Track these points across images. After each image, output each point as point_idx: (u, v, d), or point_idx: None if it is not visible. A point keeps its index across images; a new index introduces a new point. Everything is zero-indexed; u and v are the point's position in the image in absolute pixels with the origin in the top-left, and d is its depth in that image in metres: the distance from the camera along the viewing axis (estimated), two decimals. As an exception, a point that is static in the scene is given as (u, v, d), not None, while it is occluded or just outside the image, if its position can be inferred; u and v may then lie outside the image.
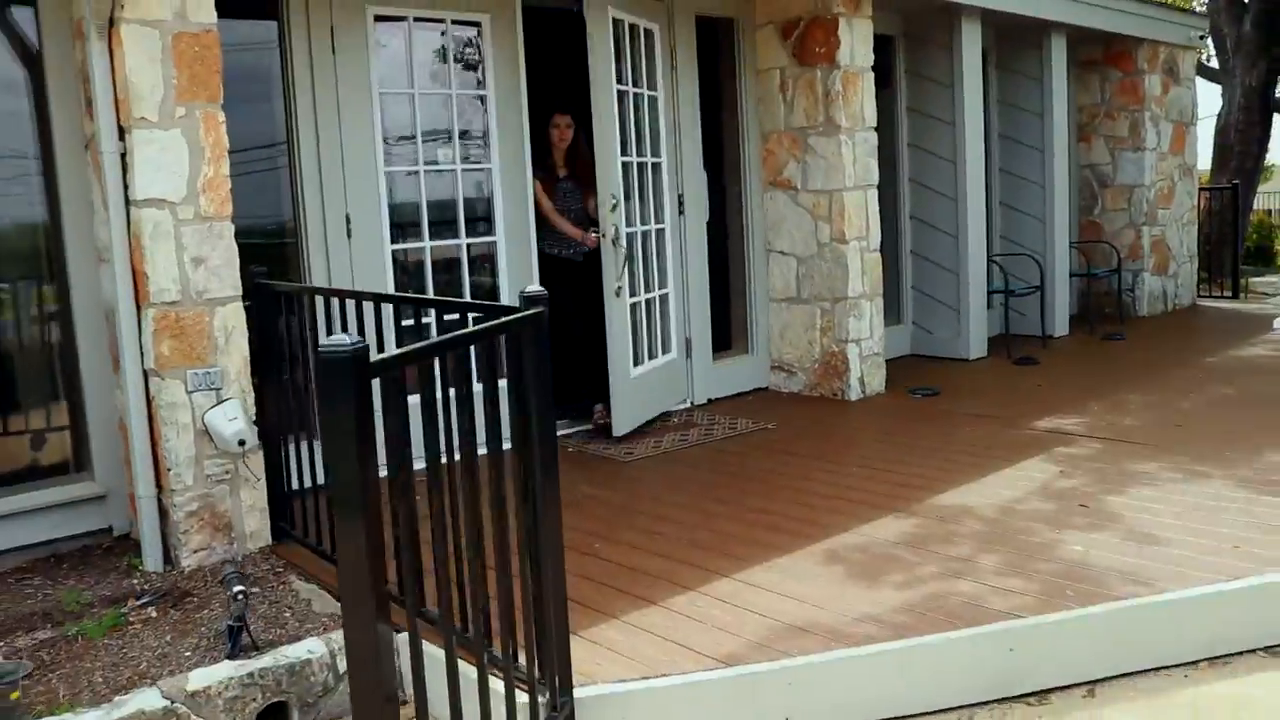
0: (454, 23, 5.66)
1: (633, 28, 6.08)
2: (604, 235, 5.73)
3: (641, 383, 6.11)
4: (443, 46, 5.68)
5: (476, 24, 5.74)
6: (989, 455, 5.25)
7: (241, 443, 4.19)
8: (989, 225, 8.48)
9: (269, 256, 5.59)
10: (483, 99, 5.79)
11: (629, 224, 5.95)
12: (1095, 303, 9.75)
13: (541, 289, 2.74)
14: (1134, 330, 9.19)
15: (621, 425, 5.91)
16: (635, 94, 6.03)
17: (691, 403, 6.80)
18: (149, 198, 4.08)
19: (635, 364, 6.01)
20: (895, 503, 4.55)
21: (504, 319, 2.67)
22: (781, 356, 7.19)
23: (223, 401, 4.22)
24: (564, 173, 6.12)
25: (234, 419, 4.17)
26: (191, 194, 4.16)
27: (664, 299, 6.50)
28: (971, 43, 7.82)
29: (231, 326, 4.30)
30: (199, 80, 4.15)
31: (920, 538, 4.09)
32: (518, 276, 5.85)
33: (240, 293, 4.31)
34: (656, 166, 6.38)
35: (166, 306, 4.14)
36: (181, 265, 4.16)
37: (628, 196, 5.98)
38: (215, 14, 4.19)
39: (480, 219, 5.90)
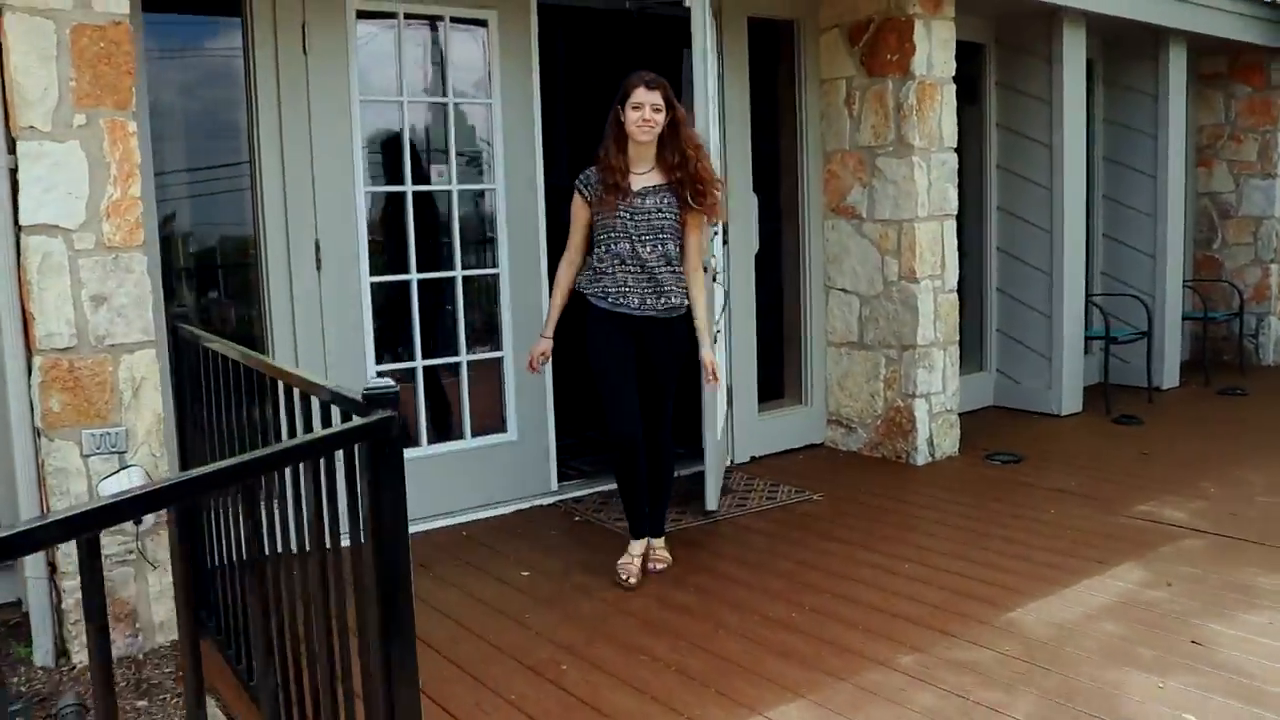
0: (454, 20, 4.90)
1: (670, 30, 5.26)
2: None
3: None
4: (439, 47, 4.91)
5: (481, 22, 4.97)
6: (1074, 553, 4.26)
7: (138, 521, 3.46)
8: (1088, 261, 7.43)
9: (235, 284, 4.91)
10: (487, 108, 5.01)
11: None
12: (1212, 350, 8.57)
13: (388, 384, 1.93)
14: (1258, 383, 8.00)
15: (640, 491, 5.06)
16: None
17: (731, 461, 5.91)
18: (38, 223, 3.38)
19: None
20: (950, 622, 3.61)
21: (320, 436, 1.86)
22: (839, 409, 6.26)
23: (123, 469, 3.50)
24: (645, 182, 4.06)
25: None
26: (92, 219, 3.45)
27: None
28: (1074, 52, 6.79)
29: (140, 378, 3.57)
30: (104, 83, 3.44)
31: (972, 684, 3.16)
32: (525, 314, 5.06)
33: (151, 337, 3.59)
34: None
35: (57, 354, 3.43)
36: (78, 304, 3.45)
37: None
38: (127, 3, 3.48)
39: (479, 246, 5.12)
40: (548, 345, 4.23)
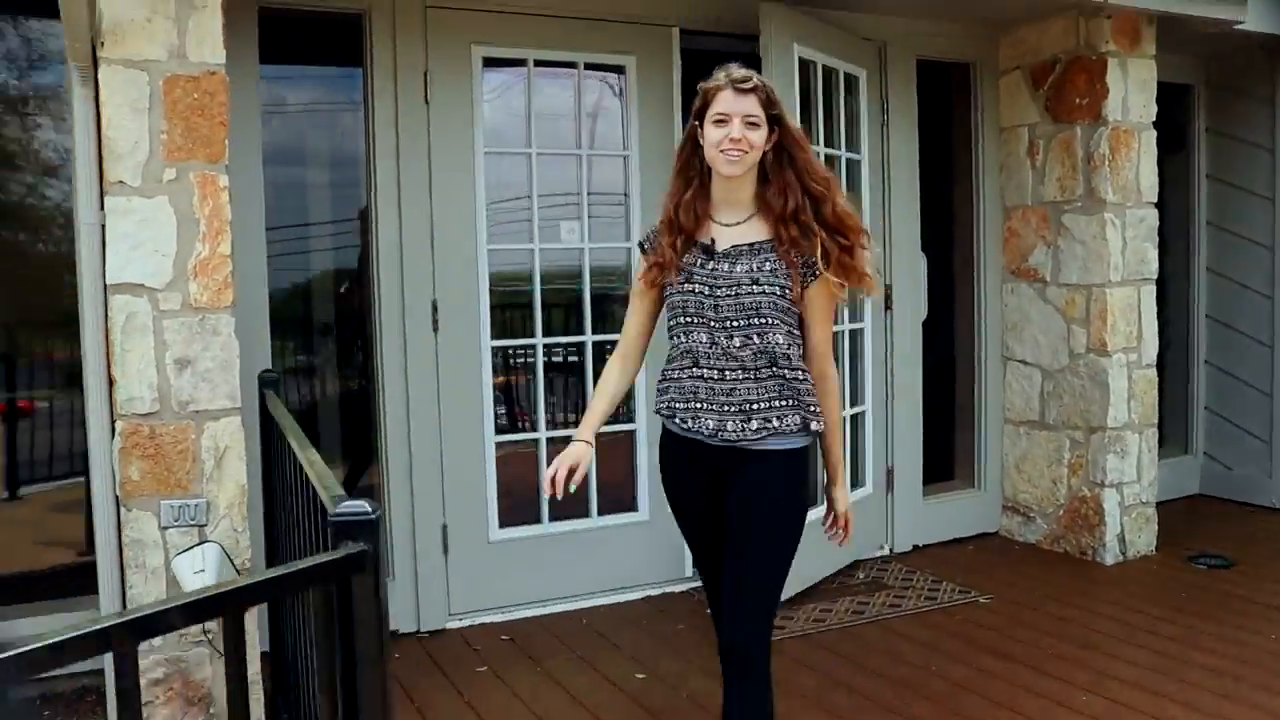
0: (589, 66, 4.60)
1: (828, 72, 4.81)
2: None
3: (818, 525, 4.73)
4: (572, 95, 4.61)
5: (618, 68, 4.66)
6: (1299, 693, 3.51)
7: (208, 605, 3.21)
8: (1320, 331, 6.49)
9: (346, 345, 4.70)
10: (624, 161, 4.68)
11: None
12: None
13: (359, 509, 1.54)
14: None
15: (780, 582, 4.54)
16: (827, 155, 4.73)
17: (890, 549, 5.31)
18: (123, 282, 3.21)
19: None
20: (1132, 778, 2.96)
21: (272, 577, 1.49)
22: (1016, 495, 5.56)
23: (199, 544, 3.27)
24: (736, 238, 2.62)
25: (200, 571, 3.19)
26: (179, 278, 3.25)
27: (858, 419, 5.10)
28: (1302, 95, 5.96)
29: (224, 447, 3.34)
30: (196, 135, 3.25)
31: None
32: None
33: (237, 404, 3.36)
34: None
35: (138, 419, 3.24)
36: (161, 367, 3.25)
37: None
38: (223, 51, 3.29)
39: (610, 307, 4.76)
40: (583, 455, 2.62)
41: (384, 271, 4.22)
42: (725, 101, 2.49)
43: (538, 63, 4.47)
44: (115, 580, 3.37)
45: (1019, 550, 5.40)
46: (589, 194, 4.60)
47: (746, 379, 2.54)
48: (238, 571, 3.31)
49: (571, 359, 4.66)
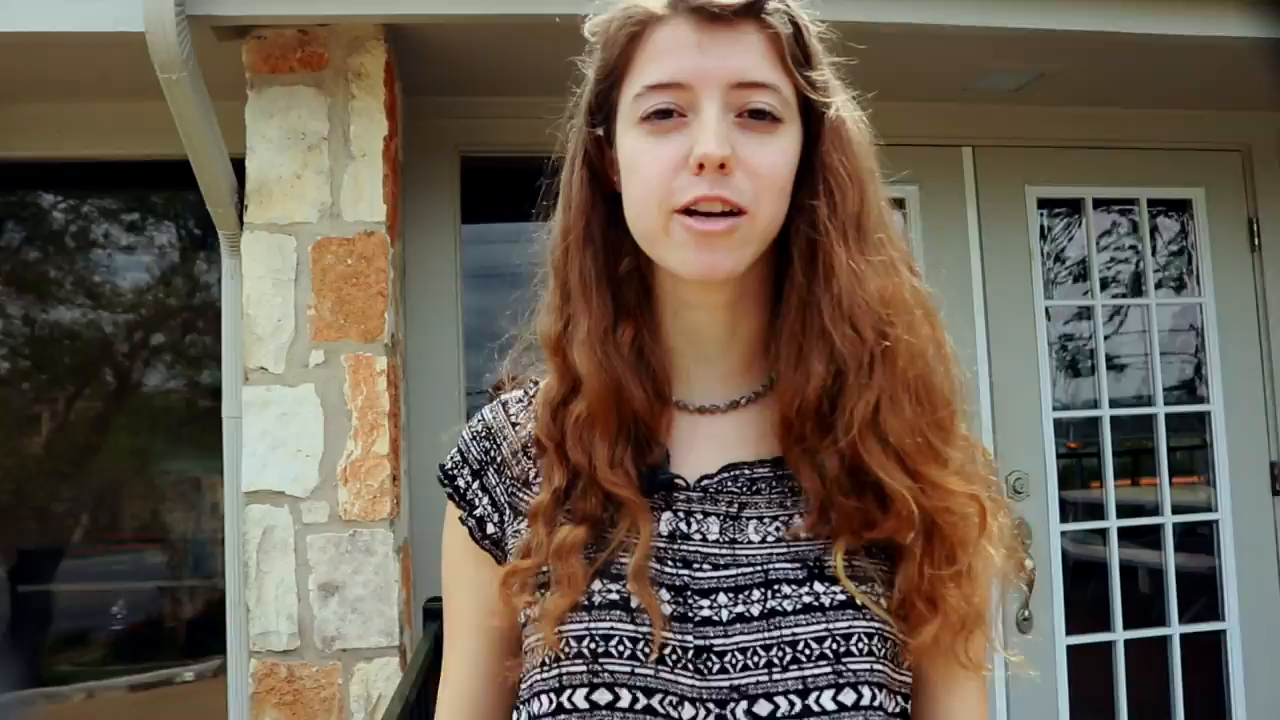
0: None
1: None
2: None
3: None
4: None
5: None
6: None
7: None
8: None
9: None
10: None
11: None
12: None
13: None
14: None
15: None
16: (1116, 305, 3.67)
17: None
18: (260, 488, 2.64)
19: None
20: None
21: None
22: None
23: (342, 826, 2.55)
24: (731, 452, 1.04)
25: None
26: (326, 483, 2.65)
27: (1214, 642, 3.75)
28: None
29: (378, 695, 2.64)
30: (349, 309, 2.69)
31: None
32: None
33: (394, 641, 2.66)
34: (1197, 419, 3.85)
35: (274, 658, 2.61)
36: (302, 594, 2.63)
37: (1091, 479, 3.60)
38: (384, 207, 2.73)
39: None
40: None
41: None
42: (674, 50, 0.97)
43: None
44: None
45: None
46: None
47: None
48: None
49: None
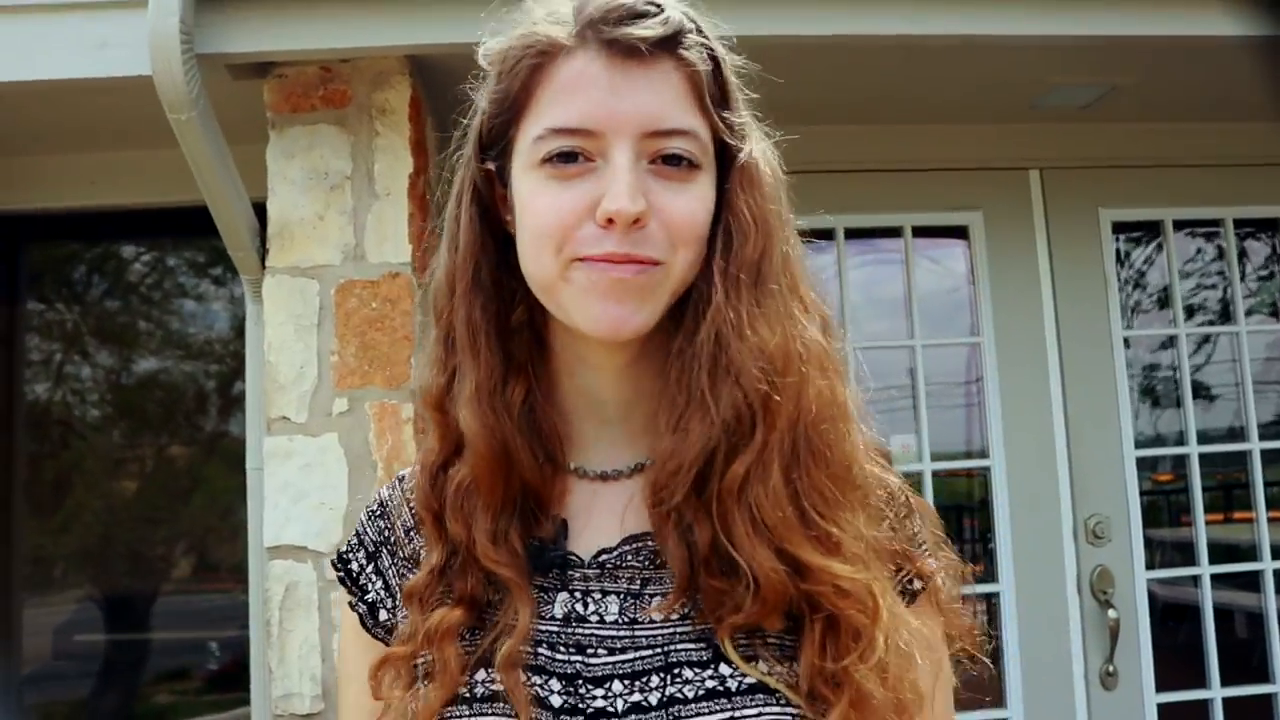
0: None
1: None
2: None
3: None
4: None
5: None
6: None
7: None
8: None
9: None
10: None
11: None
12: None
13: None
14: None
15: None
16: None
17: None
18: (282, 544, 2.52)
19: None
20: None
21: None
22: None
23: None
24: (609, 515, 0.95)
25: None
26: (349, 538, 2.52)
27: None
28: None
29: (405, 764, 2.50)
30: (374, 354, 2.56)
31: None
32: None
33: (420, 706, 2.52)
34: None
35: (296, 725, 2.49)
36: (327, 655, 2.49)
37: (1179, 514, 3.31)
38: (409, 247, 2.62)
39: None
40: None
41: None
42: (583, 89, 0.87)
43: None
44: None
45: None
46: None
47: None
48: None
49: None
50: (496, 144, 0.92)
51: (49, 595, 4.22)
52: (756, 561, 0.84)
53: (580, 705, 0.87)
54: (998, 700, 3.30)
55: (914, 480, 3.34)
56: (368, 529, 1.02)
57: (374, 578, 1.00)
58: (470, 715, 0.87)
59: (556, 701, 0.87)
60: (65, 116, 2.92)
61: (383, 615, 0.98)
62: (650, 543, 0.91)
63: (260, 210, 2.64)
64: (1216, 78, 3.08)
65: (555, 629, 0.90)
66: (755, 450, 0.85)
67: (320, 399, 2.55)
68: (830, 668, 0.84)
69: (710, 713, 0.85)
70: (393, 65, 2.66)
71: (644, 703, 0.86)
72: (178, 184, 2.70)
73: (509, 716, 0.86)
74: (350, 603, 1.01)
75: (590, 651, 0.89)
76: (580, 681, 0.88)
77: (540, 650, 0.89)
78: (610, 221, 0.83)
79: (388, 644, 0.96)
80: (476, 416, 0.90)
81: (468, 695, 0.87)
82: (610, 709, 0.86)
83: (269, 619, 2.50)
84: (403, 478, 1.03)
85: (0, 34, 2.51)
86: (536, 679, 0.88)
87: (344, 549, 1.03)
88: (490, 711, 0.86)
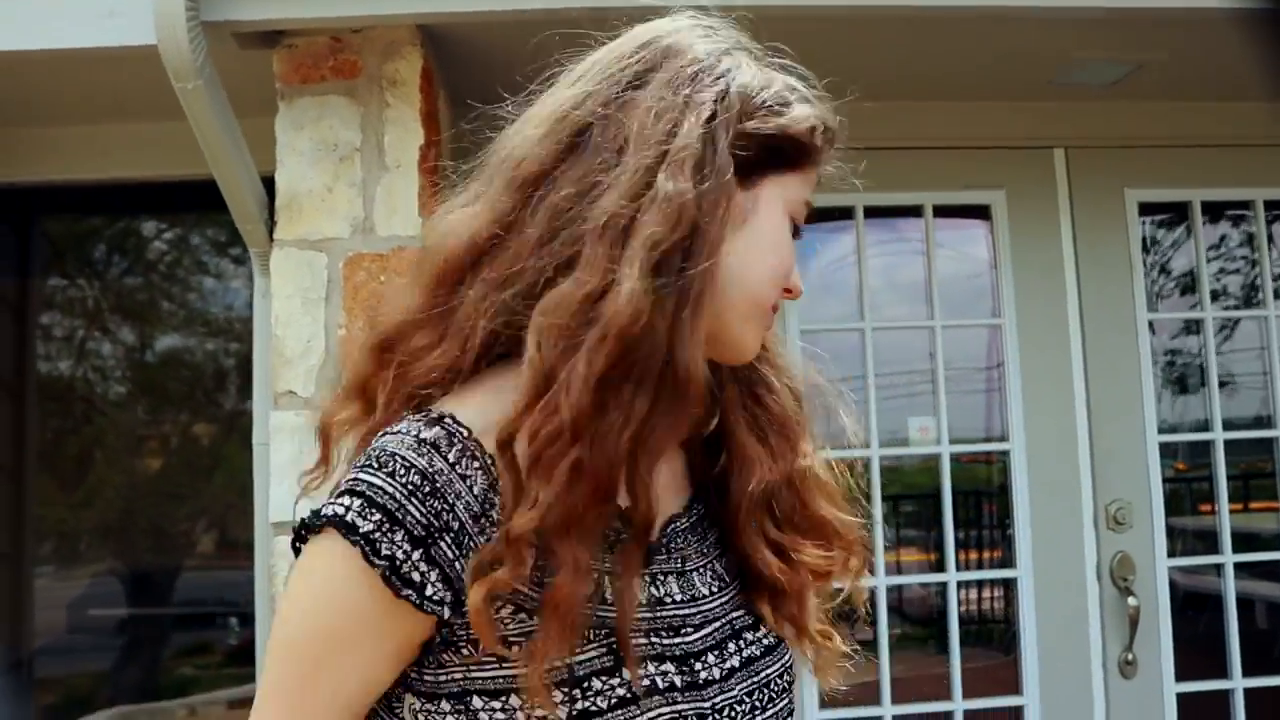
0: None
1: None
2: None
3: None
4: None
5: None
6: None
7: None
8: None
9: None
10: None
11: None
12: None
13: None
14: None
15: None
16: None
17: None
18: (287, 520, 2.50)
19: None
20: None
21: None
22: None
23: None
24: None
25: None
26: (356, 514, 2.50)
27: None
28: None
29: (410, 742, 2.47)
30: (382, 328, 2.54)
31: None
32: None
33: (425, 684, 2.49)
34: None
35: None
36: (331, 633, 2.48)
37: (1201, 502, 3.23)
38: (419, 220, 2.59)
39: None
40: None
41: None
42: (810, 183, 1.05)
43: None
44: None
45: None
46: None
47: None
48: None
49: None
50: (750, 147, 0.96)
51: (72, 569, 4.25)
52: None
53: (696, 682, 0.93)
54: (1014, 688, 3.25)
55: (932, 463, 3.31)
56: (408, 507, 0.87)
57: (428, 569, 0.86)
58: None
59: (680, 682, 0.92)
60: (74, 87, 2.90)
61: (446, 614, 0.88)
62: (681, 520, 1.02)
63: (269, 184, 2.62)
64: (1247, 55, 3.00)
65: (647, 614, 0.94)
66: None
67: (327, 374, 2.52)
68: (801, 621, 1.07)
69: (772, 665, 1.02)
70: (404, 35, 2.62)
71: (733, 666, 0.98)
72: (194, 157, 2.69)
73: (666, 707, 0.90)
74: (397, 595, 0.86)
75: (684, 631, 0.96)
76: (690, 660, 0.94)
77: (651, 639, 0.93)
78: (789, 293, 1.02)
79: (438, 615, 0.87)
80: (620, 419, 0.90)
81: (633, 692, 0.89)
82: (711, 678, 0.95)
83: (273, 594, 2.48)
84: (435, 444, 0.90)
85: (6, 3, 2.49)
86: (653, 666, 0.91)
87: (364, 527, 0.86)
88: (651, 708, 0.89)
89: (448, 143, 2.89)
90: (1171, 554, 3.33)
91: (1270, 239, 3.55)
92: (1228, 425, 3.42)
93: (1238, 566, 3.35)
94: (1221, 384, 3.45)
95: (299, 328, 2.53)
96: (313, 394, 2.50)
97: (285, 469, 2.49)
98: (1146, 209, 3.48)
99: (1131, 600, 3.19)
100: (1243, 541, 3.40)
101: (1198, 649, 3.37)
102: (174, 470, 4.31)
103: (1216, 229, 3.63)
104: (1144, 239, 3.50)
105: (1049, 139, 3.39)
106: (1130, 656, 3.19)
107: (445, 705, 0.89)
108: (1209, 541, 3.40)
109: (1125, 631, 3.19)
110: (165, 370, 4.19)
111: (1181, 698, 3.24)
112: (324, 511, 0.89)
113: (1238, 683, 3.29)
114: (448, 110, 2.93)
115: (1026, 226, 3.38)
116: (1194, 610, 3.46)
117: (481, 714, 0.88)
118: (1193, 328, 3.52)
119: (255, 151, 2.58)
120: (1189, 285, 3.54)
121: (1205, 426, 3.42)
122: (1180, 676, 3.26)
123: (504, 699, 0.87)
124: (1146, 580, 3.25)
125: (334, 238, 2.56)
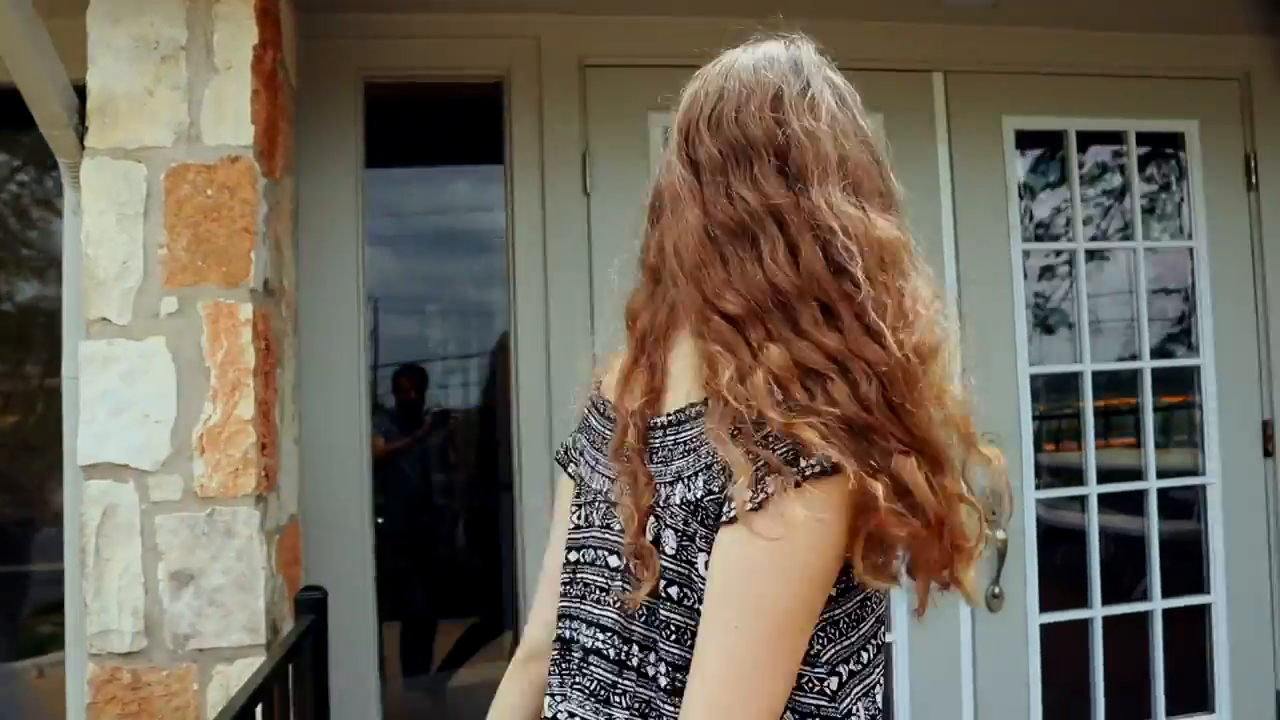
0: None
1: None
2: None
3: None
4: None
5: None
6: None
7: None
8: None
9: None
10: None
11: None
12: None
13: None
14: None
15: None
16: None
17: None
18: (100, 461, 2.24)
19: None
20: None
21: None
22: None
23: None
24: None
25: None
26: (179, 454, 2.24)
27: (1198, 617, 3.43)
28: None
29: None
30: (209, 248, 2.27)
31: None
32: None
33: (261, 639, 2.28)
34: (1184, 374, 3.50)
35: (116, 660, 2.22)
36: (150, 585, 2.24)
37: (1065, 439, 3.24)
38: (251, 129, 2.31)
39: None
40: None
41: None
42: None
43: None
44: None
45: None
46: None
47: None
48: None
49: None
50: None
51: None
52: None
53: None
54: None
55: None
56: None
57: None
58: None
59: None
60: None
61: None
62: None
63: (81, 91, 2.31)
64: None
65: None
66: None
67: (146, 298, 2.25)
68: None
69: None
70: (233, -80, 2.32)
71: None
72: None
73: None
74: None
75: None
76: None
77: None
78: None
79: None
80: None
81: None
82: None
83: (84, 546, 2.23)
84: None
85: None
86: None
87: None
88: None
89: (290, 45, 2.62)
90: (1040, 488, 3.32)
91: (1142, 170, 3.53)
92: (1097, 359, 3.41)
93: (1100, 500, 3.36)
94: (1092, 318, 3.43)
95: (114, 247, 2.25)
96: (129, 321, 2.24)
97: (96, 405, 2.22)
98: (1023, 138, 3.40)
99: (999, 534, 3.17)
100: (1106, 476, 3.41)
101: (1059, 581, 3.38)
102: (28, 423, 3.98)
103: (1090, 159, 3.59)
104: (1020, 169, 3.43)
105: (928, 63, 3.28)
106: (998, 590, 3.18)
107: None
108: (1071, 477, 3.40)
109: (994, 565, 3.17)
110: (16, 319, 3.81)
111: (1045, 628, 3.25)
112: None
113: (1097, 611, 3.32)
114: (290, 9, 2.64)
115: (903, 151, 3.21)
116: (1054, 543, 3.46)
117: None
118: (1065, 258, 3.48)
119: (67, 60, 2.26)
120: (1062, 216, 3.50)
121: (1076, 359, 3.40)
122: (1044, 608, 3.26)
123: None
124: (1014, 513, 3.23)
125: (155, 146, 2.27)
